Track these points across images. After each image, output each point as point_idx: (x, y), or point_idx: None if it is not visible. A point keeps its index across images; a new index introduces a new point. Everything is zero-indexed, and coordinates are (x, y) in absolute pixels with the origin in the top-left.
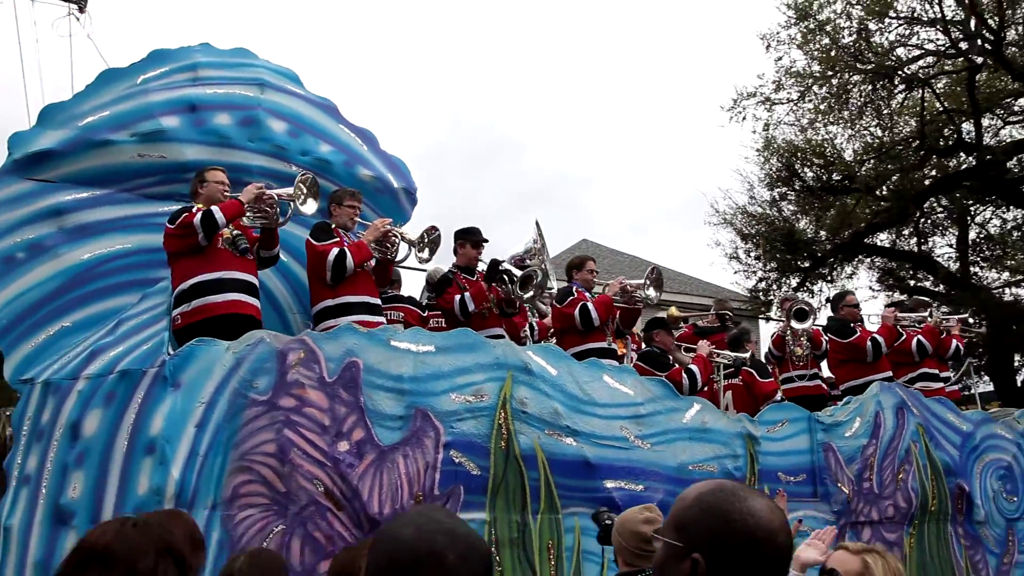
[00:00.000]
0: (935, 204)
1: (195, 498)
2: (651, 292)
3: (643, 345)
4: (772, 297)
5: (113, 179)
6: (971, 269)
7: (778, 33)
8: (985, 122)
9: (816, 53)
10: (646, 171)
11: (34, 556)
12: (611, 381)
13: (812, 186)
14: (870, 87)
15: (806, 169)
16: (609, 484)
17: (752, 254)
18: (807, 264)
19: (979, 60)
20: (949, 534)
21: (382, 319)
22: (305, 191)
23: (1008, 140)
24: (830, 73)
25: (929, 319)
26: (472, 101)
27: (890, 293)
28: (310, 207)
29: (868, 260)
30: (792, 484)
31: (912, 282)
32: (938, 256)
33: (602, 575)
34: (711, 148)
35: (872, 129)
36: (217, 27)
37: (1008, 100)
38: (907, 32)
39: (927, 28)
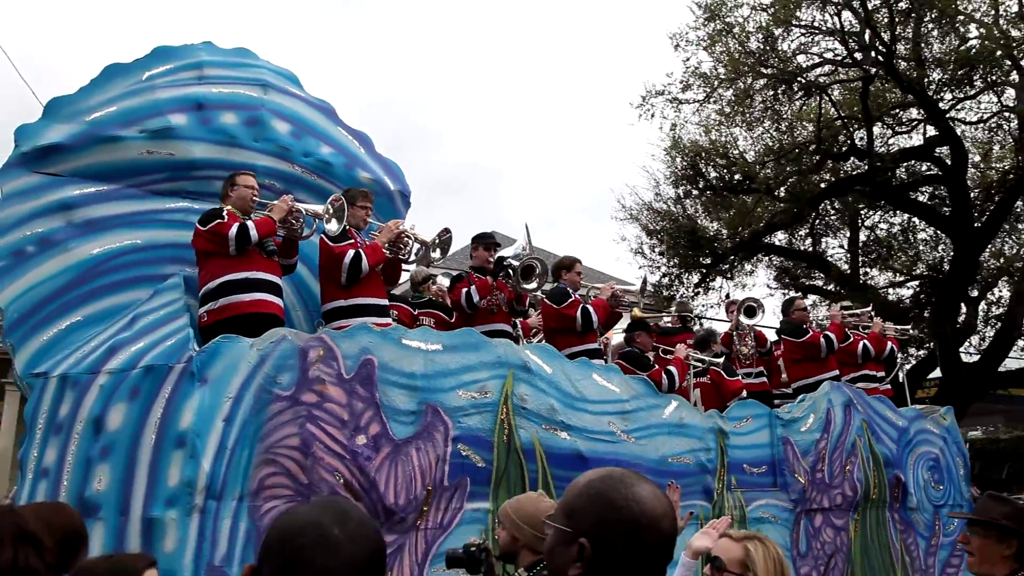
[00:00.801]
0: (829, 207)
1: (224, 490)
2: (637, 298)
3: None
4: (674, 292)
5: (121, 175)
6: (860, 269)
7: (687, 34)
8: (876, 130)
9: (722, 56)
10: (558, 165)
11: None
12: (600, 379)
13: (715, 185)
14: (772, 92)
15: (710, 168)
16: None
17: (657, 250)
18: (708, 261)
19: (872, 71)
20: (887, 520)
21: (390, 320)
22: (332, 212)
23: (896, 149)
24: (735, 76)
25: (874, 326)
26: (385, 88)
27: (786, 291)
28: (334, 226)
29: (766, 259)
30: (755, 475)
31: (806, 281)
32: (830, 256)
33: None
34: (621, 144)
35: (772, 132)
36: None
37: (897, 111)
38: (808, 40)
39: (827, 38)
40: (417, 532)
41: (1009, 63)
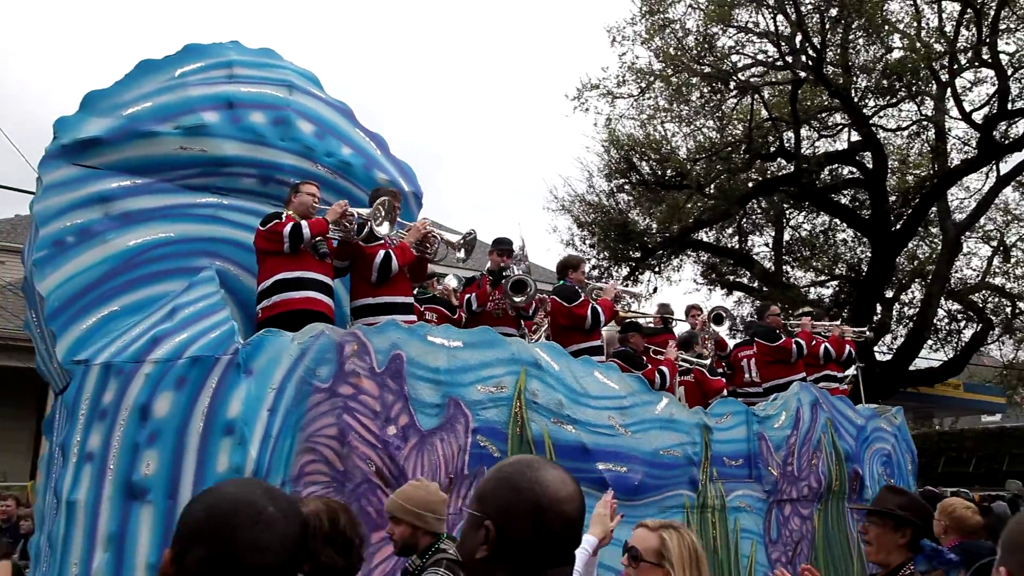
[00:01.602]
0: (756, 205)
1: (268, 476)
2: (637, 290)
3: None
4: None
5: (155, 169)
6: (784, 268)
7: (624, 28)
8: (804, 133)
9: (659, 52)
10: (496, 152)
11: (106, 529)
12: (600, 376)
13: (647, 180)
14: (706, 89)
15: (643, 163)
16: (600, 466)
17: (587, 242)
18: (638, 255)
19: (802, 75)
20: (845, 510)
21: (415, 317)
22: (383, 213)
23: (821, 152)
24: (670, 72)
25: (834, 330)
26: (323, 70)
27: (711, 287)
28: (385, 228)
29: (693, 255)
30: (733, 467)
31: (731, 277)
32: (756, 254)
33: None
34: (558, 135)
35: (705, 130)
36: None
37: (823, 115)
38: (743, 41)
39: (761, 39)
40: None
41: (929, 74)
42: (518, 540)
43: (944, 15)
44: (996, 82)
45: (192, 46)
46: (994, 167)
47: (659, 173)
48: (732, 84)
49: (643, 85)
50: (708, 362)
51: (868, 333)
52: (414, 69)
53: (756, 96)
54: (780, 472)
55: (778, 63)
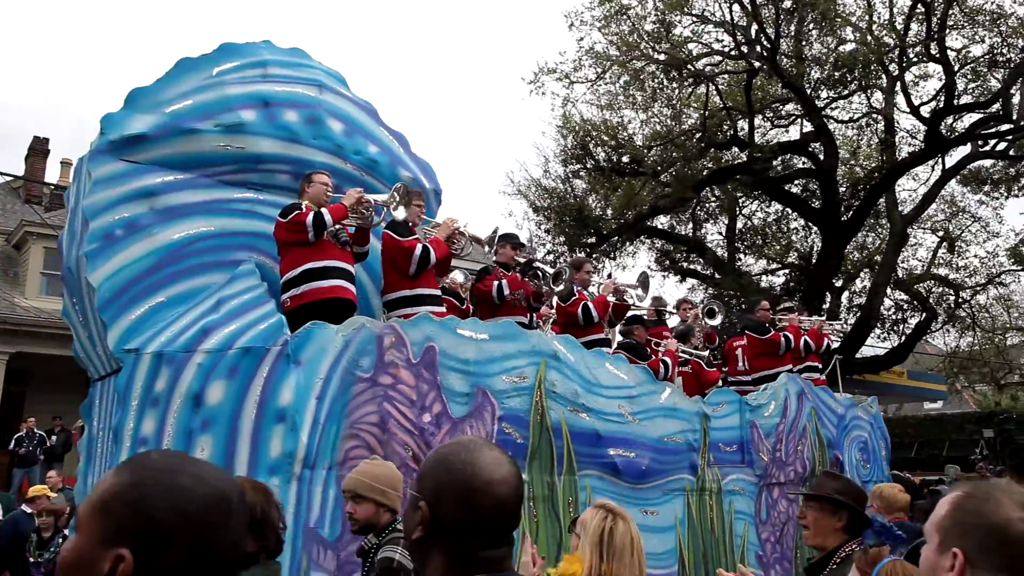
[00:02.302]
0: (710, 194)
1: (316, 460)
2: (640, 292)
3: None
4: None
5: (195, 165)
6: (736, 256)
7: (582, 13)
8: (757, 122)
9: (616, 37)
10: (452, 135)
11: None
12: (611, 368)
13: (603, 166)
14: (663, 76)
15: (599, 149)
16: (612, 452)
17: (543, 227)
18: (593, 240)
19: (757, 65)
20: None
21: (444, 308)
22: (398, 199)
23: (774, 142)
24: (627, 59)
25: (814, 324)
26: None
27: (665, 273)
28: (401, 213)
29: (648, 241)
30: (728, 453)
31: (685, 264)
32: (709, 242)
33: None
34: (514, 120)
35: (661, 117)
36: None
37: (777, 105)
38: (699, 29)
39: (717, 28)
40: None
41: (879, 67)
42: (450, 521)
43: (895, 10)
44: (943, 77)
45: (227, 45)
46: (940, 160)
47: (615, 159)
48: (687, 72)
49: (600, 70)
50: (706, 354)
51: (846, 327)
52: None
53: (711, 85)
54: (770, 457)
55: (733, 53)
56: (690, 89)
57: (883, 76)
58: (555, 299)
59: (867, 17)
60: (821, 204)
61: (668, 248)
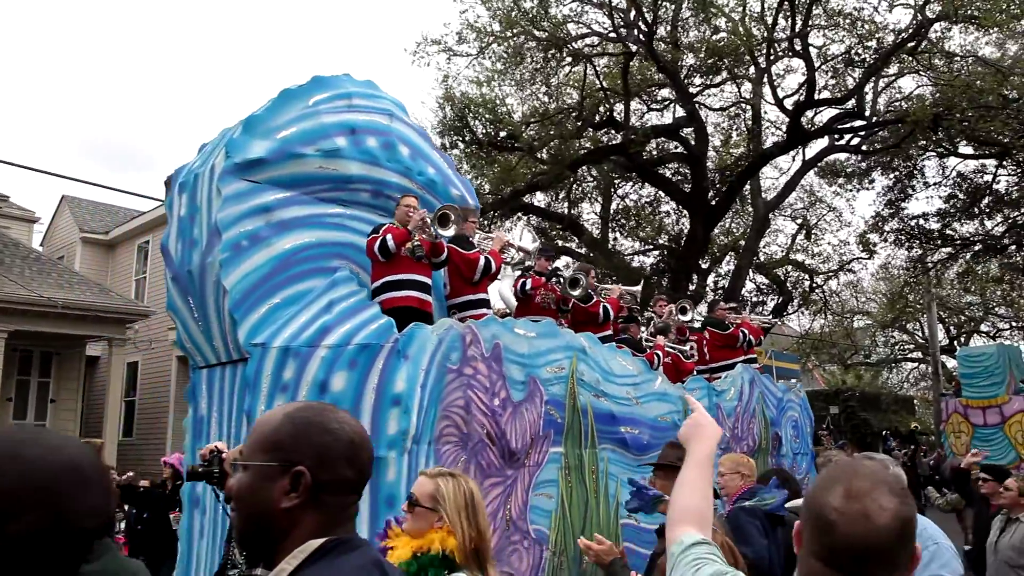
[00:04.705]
0: (586, 173)
1: (420, 437)
2: (636, 289)
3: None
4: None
5: (298, 184)
6: (610, 236)
7: None
8: (633, 105)
9: (498, 12)
10: None
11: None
12: (621, 360)
13: (481, 140)
14: (542, 54)
15: (477, 123)
16: (622, 429)
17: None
18: None
19: (634, 48)
20: (769, 464)
21: (492, 310)
22: (453, 219)
23: (649, 125)
24: (509, 34)
25: (752, 320)
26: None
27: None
28: (450, 231)
29: (524, 218)
30: None
31: (560, 242)
32: (584, 221)
33: (618, 490)
34: (394, 89)
35: (539, 95)
36: None
37: (652, 89)
38: (579, 9)
39: (596, 9)
40: (525, 468)
41: (750, 59)
42: (335, 481)
43: (766, 4)
44: (806, 72)
45: (319, 78)
46: (801, 152)
47: (492, 134)
48: (567, 52)
49: (482, 45)
50: (687, 348)
51: (775, 322)
52: (253, 8)
53: (589, 65)
54: (731, 434)
55: (612, 35)
56: (568, 69)
57: (752, 68)
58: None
59: (740, 8)
60: (691, 188)
61: (544, 226)
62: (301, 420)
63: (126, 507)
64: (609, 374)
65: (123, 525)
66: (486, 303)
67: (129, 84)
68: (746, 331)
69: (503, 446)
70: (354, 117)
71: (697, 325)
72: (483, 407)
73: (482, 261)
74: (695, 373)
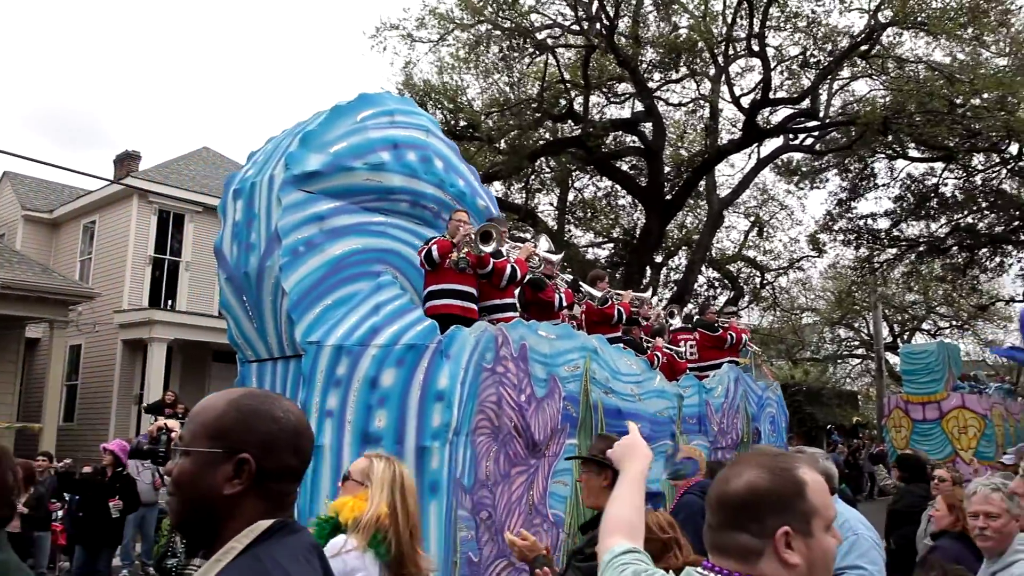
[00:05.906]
0: (544, 165)
1: (460, 429)
2: (647, 295)
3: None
4: None
5: (347, 195)
6: (566, 227)
7: None
8: (593, 99)
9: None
10: (285, 88)
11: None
12: (626, 360)
13: (440, 128)
14: (506, 42)
15: (436, 111)
16: (627, 423)
17: None
18: None
19: (595, 41)
20: None
21: (517, 313)
22: (494, 236)
23: (607, 119)
24: (474, 20)
25: (738, 323)
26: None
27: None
28: (490, 247)
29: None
30: (691, 424)
31: (516, 232)
32: (541, 212)
33: None
34: (352, 75)
35: (500, 85)
36: None
37: (612, 82)
38: (543, 0)
39: (560, 2)
40: (546, 457)
41: (709, 56)
42: (279, 468)
43: (725, 3)
44: (762, 72)
45: (365, 96)
46: (756, 150)
47: (452, 123)
48: (529, 42)
49: (443, 32)
50: (682, 349)
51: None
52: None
53: (551, 56)
54: (718, 428)
55: (574, 27)
56: (530, 59)
57: (711, 65)
58: (586, 302)
59: (702, 6)
60: (647, 182)
61: (500, 216)
62: (247, 408)
63: (65, 495)
64: (616, 373)
65: (61, 513)
66: (513, 307)
67: (81, 51)
68: (734, 334)
69: (528, 438)
70: (396, 133)
71: (688, 325)
72: (512, 402)
73: (508, 269)
74: (687, 372)
